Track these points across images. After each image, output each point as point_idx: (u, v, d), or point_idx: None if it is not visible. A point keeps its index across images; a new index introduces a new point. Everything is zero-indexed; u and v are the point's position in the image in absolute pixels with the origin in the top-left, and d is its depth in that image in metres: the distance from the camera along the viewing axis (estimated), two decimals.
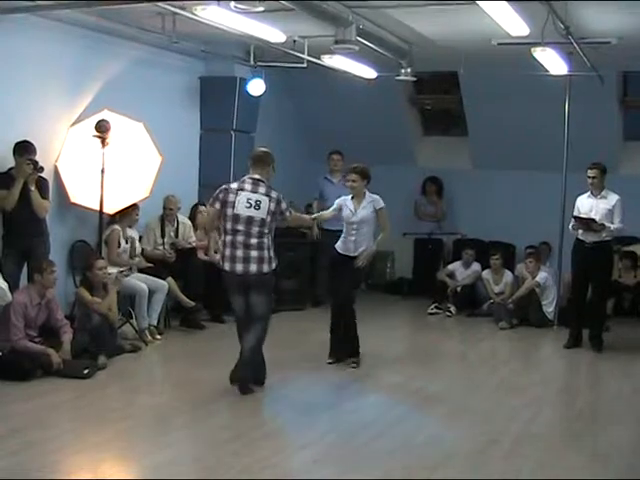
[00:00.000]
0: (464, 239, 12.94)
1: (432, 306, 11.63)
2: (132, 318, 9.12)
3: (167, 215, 10.05)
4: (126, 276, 9.07)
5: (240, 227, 7.10)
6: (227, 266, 7.16)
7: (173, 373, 8.29)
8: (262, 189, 7.18)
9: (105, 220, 9.17)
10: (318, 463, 5.70)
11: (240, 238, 7.10)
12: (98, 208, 8.88)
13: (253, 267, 7.11)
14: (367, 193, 8.47)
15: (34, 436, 5.95)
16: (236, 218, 7.10)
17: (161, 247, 9.93)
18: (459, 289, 11.71)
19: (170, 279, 9.52)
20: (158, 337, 9.23)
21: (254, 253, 7.11)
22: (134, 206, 9.45)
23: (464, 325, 11.13)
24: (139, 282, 9.18)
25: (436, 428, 6.60)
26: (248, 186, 7.18)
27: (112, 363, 8.02)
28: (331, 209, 8.54)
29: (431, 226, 12.94)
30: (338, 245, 8.43)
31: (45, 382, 7.31)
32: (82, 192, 9.13)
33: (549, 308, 10.88)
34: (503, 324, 10.72)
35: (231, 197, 7.13)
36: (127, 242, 9.40)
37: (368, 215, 8.36)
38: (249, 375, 7.27)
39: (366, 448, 6.08)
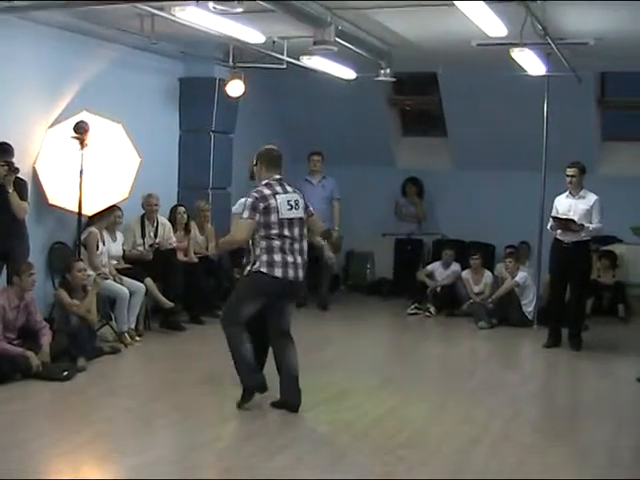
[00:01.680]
0: (444, 239, 12.97)
1: (412, 306, 11.65)
2: (111, 320, 9.09)
3: (148, 213, 10.02)
4: (105, 279, 9.02)
5: (286, 232, 6.67)
6: (279, 272, 6.60)
7: (153, 375, 8.27)
8: (289, 187, 6.83)
9: (84, 222, 9.13)
10: (299, 463, 5.70)
11: (288, 242, 6.68)
12: (77, 210, 8.85)
13: (301, 273, 6.77)
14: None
15: (14, 439, 5.91)
16: (282, 223, 6.66)
17: (140, 248, 9.91)
18: (439, 289, 11.72)
19: (149, 280, 9.49)
20: (137, 339, 9.21)
21: (299, 259, 6.76)
22: (112, 208, 9.42)
23: (444, 325, 11.16)
24: (120, 285, 9.15)
25: (417, 428, 6.60)
26: (279, 188, 6.73)
27: (92, 365, 7.98)
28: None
29: (411, 227, 12.97)
30: None
31: (24, 385, 7.27)
32: (61, 194, 9.09)
33: (528, 308, 10.91)
34: (483, 324, 10.75)
35: (272, 202, 6.63)
36: (104, 244, 9.36)
37: None
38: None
39: (348, 448, 6.08)
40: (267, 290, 6.70)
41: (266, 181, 6.77)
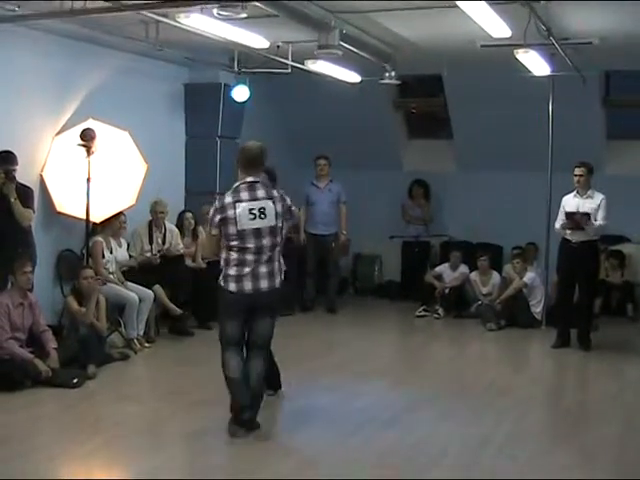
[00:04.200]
0: (451, 241, 12.97)
1: (420, 309, 11.65)
2: (120, 327, 9.10)
3: (156, 220, 10.03)
4: (103, 284, 8.98)
5: (251, 243, 6.17)
6: (233, 286, 6.23)
7: (162, 381, 8.28)
8: (261, 193, 6.22)
9: (91, 229, 9.15)
10: (308, 466, 5.71)
11: (252, 254, 6.19)
12: (84, 217, 8.87)
13: (266, 283, 6.25)
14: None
15: (25, 445, 5.94)
16: (242, 234, 6.16)
17: (148, 254, 9.91)
18: (447, 291, 11.72)
19: (157, 286, 9.52)
20: (147, 345, 9.23)
21: (265, 269, 6.23)
22: (118, 215, 9.44)
23: (452, 327, 11.15)
24: (129, 292, 9.17)
25: (426, 430, 6.61)
26: (245, 194, 6.20)
27: (101, 372, 8.00)
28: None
29: (418, 229, 12.94)
30: None
31: (34, 392, 7.29)
32: (68, 201, 9.13)
33: (537, 308, 10.90)
34: (491, 325, 10.74)
35: (230, 213, 6.15)
36: (112, 252, 9.38)
37: None
38: None
39: (357, 450, 6.09)
40: (232, 304, 6.35)
41: (236, 185, 6.29)
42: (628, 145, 12.61)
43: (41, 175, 9.07)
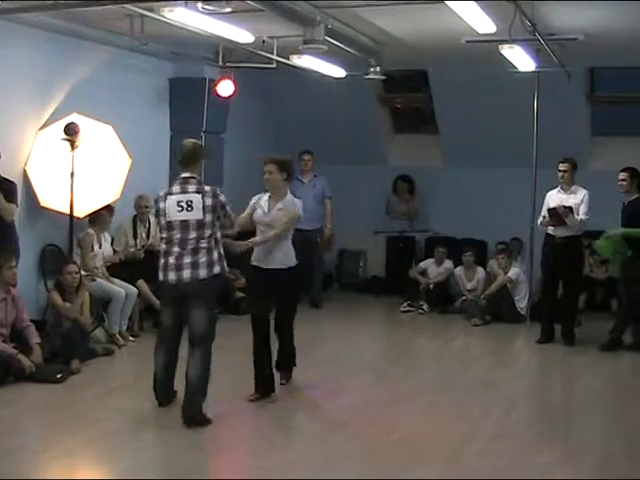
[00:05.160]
0: (436, 237, 12.98)
1: (405, 304, 11.66)
2: (104, 322, 9.07)
3: (141, 214, 10.01)
4: (92, 280, 8.99)
5: (177, 235, 6.43)
6: (161, 275, 6.52)
7: (146, 376, 8.23)
8: (192, 187, 6.46)
9: (77, 223, 9.11)
10: (294, 463, 5.70)
11: (177, 245, 6.42)
12: (68, 212, 8.83)
13: (188, 274, 6.40)
14: (289, 193, 7.27)
15: (8, 443, 5.90)
16: (171, 225, 6.45)
17: (132, 249, 9.88)
18: (431, 286, 11.73)
19: (141, 281, 9.49)
20: (131, 339, 9.21)
21: (189, 259, 6.39)
22: (108, 209, 9.41)
23: (437, 322, 11.16)
24: (115, 286, 9.14)
25: (411, 426, 6.61)
26: (176, 188, 6.50)
27: (85, 367, 7.98)
28: (247, 210, 7.29)
29: (403, 224, 12.95)
30: (253, 255, 7.25)
31: (18, 388, 7.26)
32: (52, 196, 9.08)
33: (521, 304, 10.93)
34: (476, 320, 10.76)
35: (162, 205, 6.49)
36: (100, 247, 9.35)
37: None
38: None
39: (341, 448, 6.08)
40: (162, 293, 6.85)
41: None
42: (612, 141, 12.64)
43: (25, 170, 9.02)
